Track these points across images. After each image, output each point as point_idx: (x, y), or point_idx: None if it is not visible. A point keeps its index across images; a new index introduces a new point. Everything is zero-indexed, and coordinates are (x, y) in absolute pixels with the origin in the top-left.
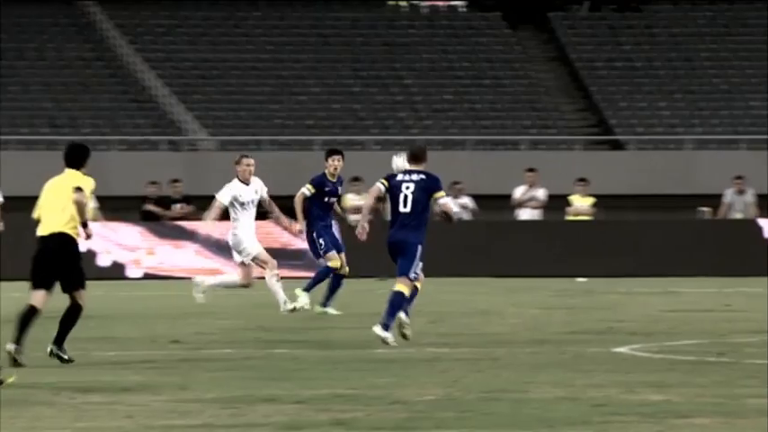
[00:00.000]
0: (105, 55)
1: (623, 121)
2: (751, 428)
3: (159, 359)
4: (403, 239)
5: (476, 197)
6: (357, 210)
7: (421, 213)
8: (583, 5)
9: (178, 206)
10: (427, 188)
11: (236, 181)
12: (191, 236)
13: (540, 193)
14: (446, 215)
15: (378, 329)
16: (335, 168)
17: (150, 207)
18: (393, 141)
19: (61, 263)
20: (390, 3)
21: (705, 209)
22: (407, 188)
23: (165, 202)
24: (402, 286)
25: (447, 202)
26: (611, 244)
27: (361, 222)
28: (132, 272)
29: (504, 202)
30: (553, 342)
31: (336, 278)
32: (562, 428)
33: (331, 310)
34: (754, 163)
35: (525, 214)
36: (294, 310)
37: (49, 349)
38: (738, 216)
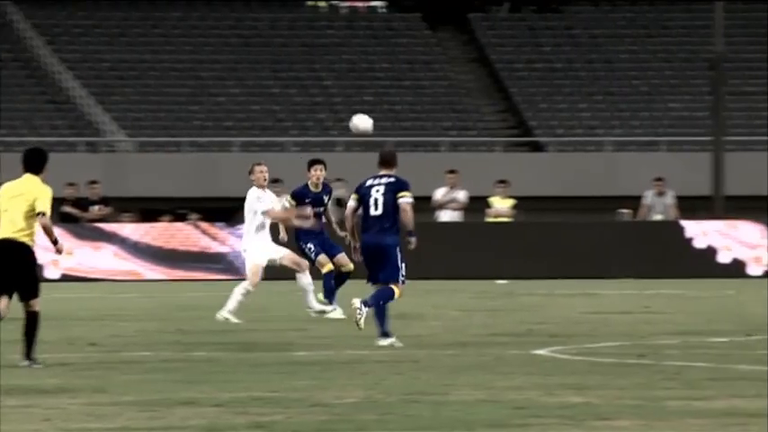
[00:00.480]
0: (22, 56)
1: (543, 123)
2: (670, 430)
3: (76, 362)
4: (378, 242)
5: None
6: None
7: (392, 214)
8: (502, 7)
9: (96, 208)
10: (396, 190)
11: (254, 188)
12: (109, 238)
13: (461, 195)
14: (403, 213)
15: (380, 341)
16: (318, 178)
17: (68, 209)
18: (312, 143)
19: (15, 270)
20: (310, 4)
21: (625, 211)
22: (377, 191)
23: (83, 203)
24: (394, 288)
25: (407, 201)
26: (531, 246)
27: (353, 244)
28: (51, 273)
29: (423, 204)
30: (473, 344)
31: (340, 277)
32: (482, 431)
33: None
34: (674, 165)
35: (446, 216)
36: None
37: (25, 364)
38: (658, 218)
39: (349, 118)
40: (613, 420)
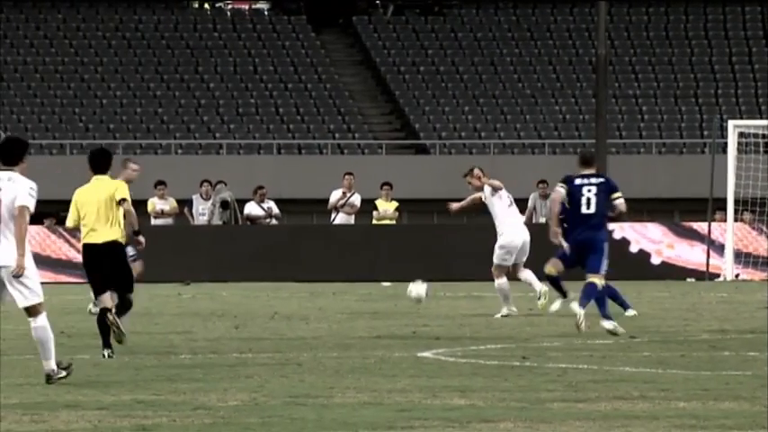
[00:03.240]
0: None
1: (428, 126)
2: None
3: None
4: (591, 237)
5: (280, 201)
6: (159, 214)
7: (603, 213)
8: (387, 9)
9: None
10: (609, 191)
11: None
12: None
13: (355, 199)
14: (620, 213)
15: (604, 324)
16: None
17: None
18: (196, 145)
19: (119, 269)
20: (194, 5)
21: None
22: (589, 191)
23: None
24: (595, 278)
25: (622, 202)
26: (415, 248)
27: (554, 230)
28: None
29: (308, 207)
30: (358, 347)
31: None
32: None
33: None
34: (558, 167)
35: (340, 219)
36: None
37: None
38: (543, 221)
39: (233, 120)
40: (497, 422)
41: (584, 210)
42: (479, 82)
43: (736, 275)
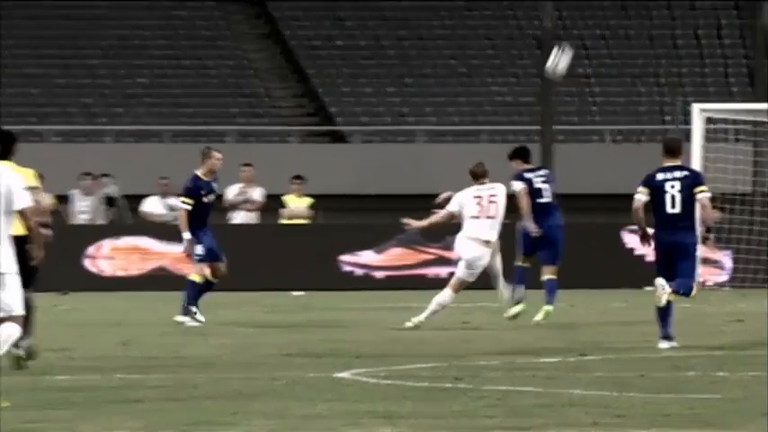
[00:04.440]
0: None
1: (346, 110)
2: None
3: None
4: (679, 241)
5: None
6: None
7: (691, 211)
8: None
9: None
10: (692, 185)
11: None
12: None
13: (257, 194)
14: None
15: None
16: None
17: None
18: (77, 132)
19: None
20: None
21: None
22: (672, 186)
23: None
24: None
25: (706, 197)
26: (332, 251)
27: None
28: None
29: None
30: (266, 366)
31: (207, 284)
32: None
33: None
34: (497, 157)
35: (239, 218)
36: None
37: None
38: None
39: (120, 103)
40: None
41: (668, 209)
42: (406, 59)
43: (703, 283)
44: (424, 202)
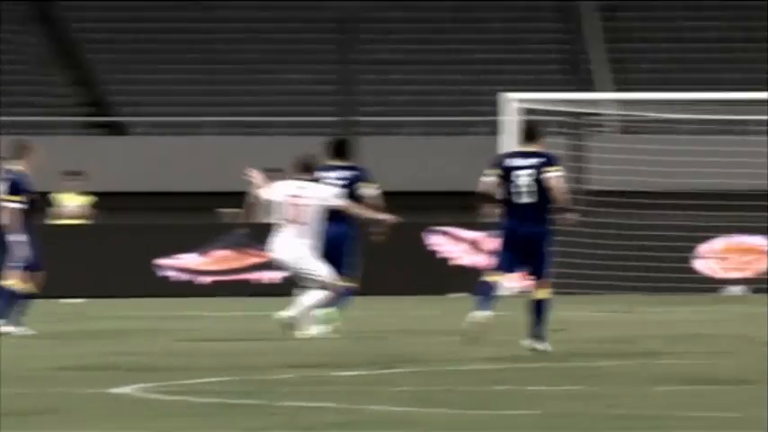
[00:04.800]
0: None
1: (127, 99)
2: None
3: None
4: (530, 234)
5: None
6: None
7: (545, 202)
8: None
9: None
10: (544, 169)
11: None
12: None
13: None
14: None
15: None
16: None
17: None
18: None
19: None
20: None
21: (229, 210)
22: (525, 174)
23: None
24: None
25: (555, 176)
26: (110, 254)
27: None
28: None
29: None
30: (34, 380)
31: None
32: None
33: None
34: (293, 152)
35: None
36: None
37: None
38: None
39: None
40: None
41: (520, 198)
42: (192, 43)
43: (516, 289)
44: (213, 201)
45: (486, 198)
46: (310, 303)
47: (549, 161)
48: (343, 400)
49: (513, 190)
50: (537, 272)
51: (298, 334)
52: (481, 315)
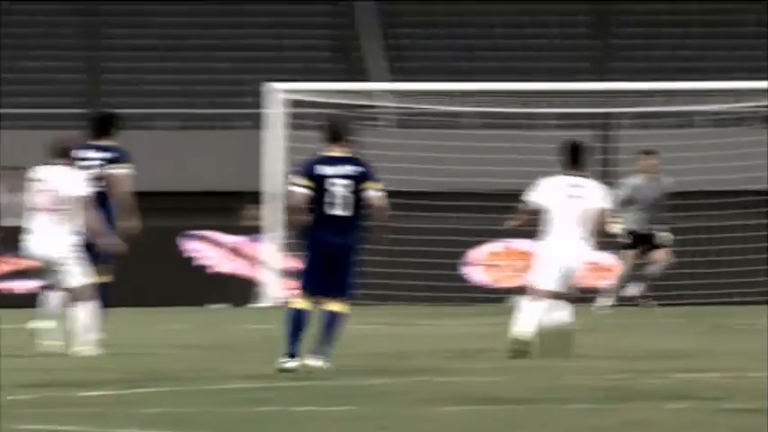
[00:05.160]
0: None
1: None
2: None
3: None
4: (342, 248)
5: None
6: None
7: (359, 215)
8: None
9: None
10: (361, 182)
11: None
12: None
13: None
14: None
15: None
16: None
17: None
18: None
19: None
20: None
21: None
22: (339, 184)
23: None
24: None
25: (377, 195)
26: None
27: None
28: None
29: None
30: None
31: None
32: None
33: None
34: (33, 146)
35: None
36: None
37: None
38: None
39: None
40: None
41: (332, 210)
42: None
43: (281, 298)
44: None
45: (299, 212)
46: (82, 319)
47: (368, 173)
48: (90, 423)
49: (326, 200)
50: (340, 287)
51: (45, 346)
52: (294, 364)
